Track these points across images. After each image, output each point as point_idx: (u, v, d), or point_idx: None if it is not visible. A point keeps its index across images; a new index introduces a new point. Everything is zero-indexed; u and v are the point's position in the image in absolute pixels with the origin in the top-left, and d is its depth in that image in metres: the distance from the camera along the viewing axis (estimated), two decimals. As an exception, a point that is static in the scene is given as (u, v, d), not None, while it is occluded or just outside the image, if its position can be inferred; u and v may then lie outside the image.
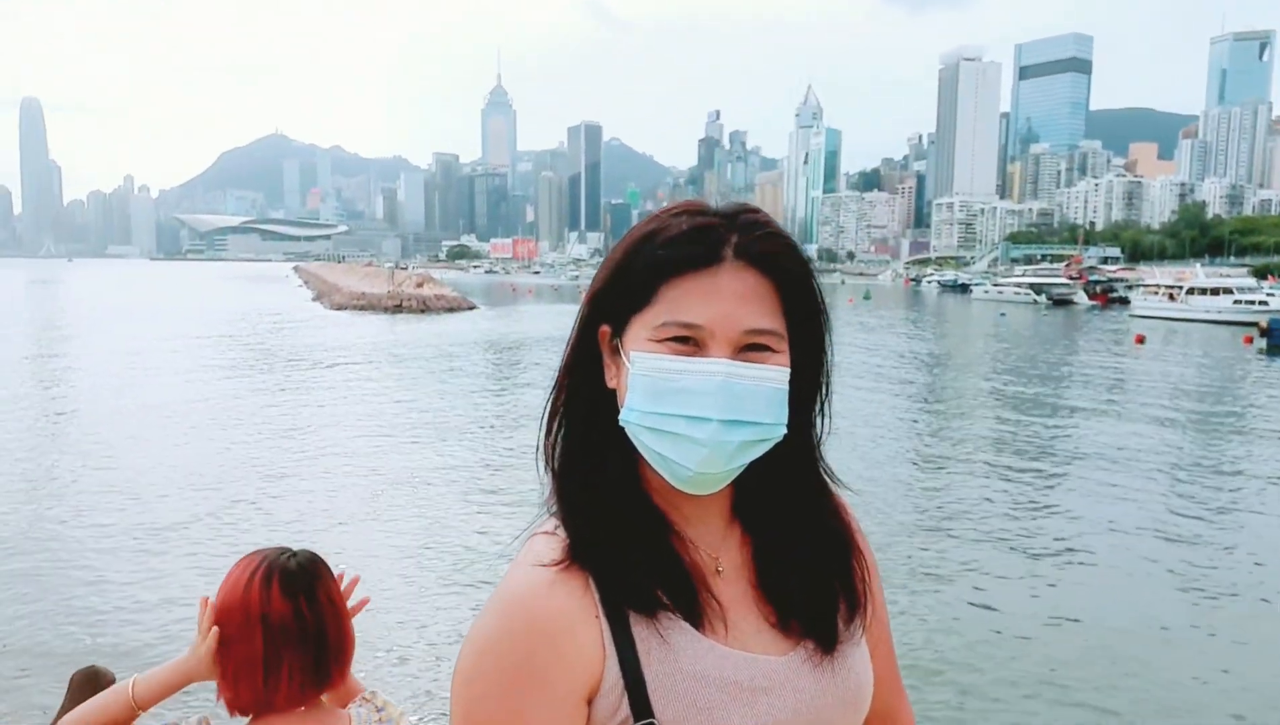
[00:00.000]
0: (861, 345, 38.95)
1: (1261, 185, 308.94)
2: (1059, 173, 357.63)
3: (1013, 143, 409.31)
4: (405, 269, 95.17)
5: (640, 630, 0.87)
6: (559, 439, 0.97)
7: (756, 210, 0.94)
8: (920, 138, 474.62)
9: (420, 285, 66.65)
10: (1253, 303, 59.15)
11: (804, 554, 0.97)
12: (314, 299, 70.60)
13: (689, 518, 0.95)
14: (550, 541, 0.91)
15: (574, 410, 0.96)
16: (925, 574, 9.46)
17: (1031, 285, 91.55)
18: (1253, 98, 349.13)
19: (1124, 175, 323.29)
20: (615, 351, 0.92)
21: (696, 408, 0.86)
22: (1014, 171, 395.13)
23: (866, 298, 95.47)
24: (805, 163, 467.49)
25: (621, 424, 0.90)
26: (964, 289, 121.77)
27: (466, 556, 9.61)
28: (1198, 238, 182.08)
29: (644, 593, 0.89)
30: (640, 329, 0.89)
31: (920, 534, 10.93)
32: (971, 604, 8.75)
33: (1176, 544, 10.83)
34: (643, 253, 0.91)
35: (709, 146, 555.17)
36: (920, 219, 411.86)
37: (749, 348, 0.88)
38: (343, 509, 11.40)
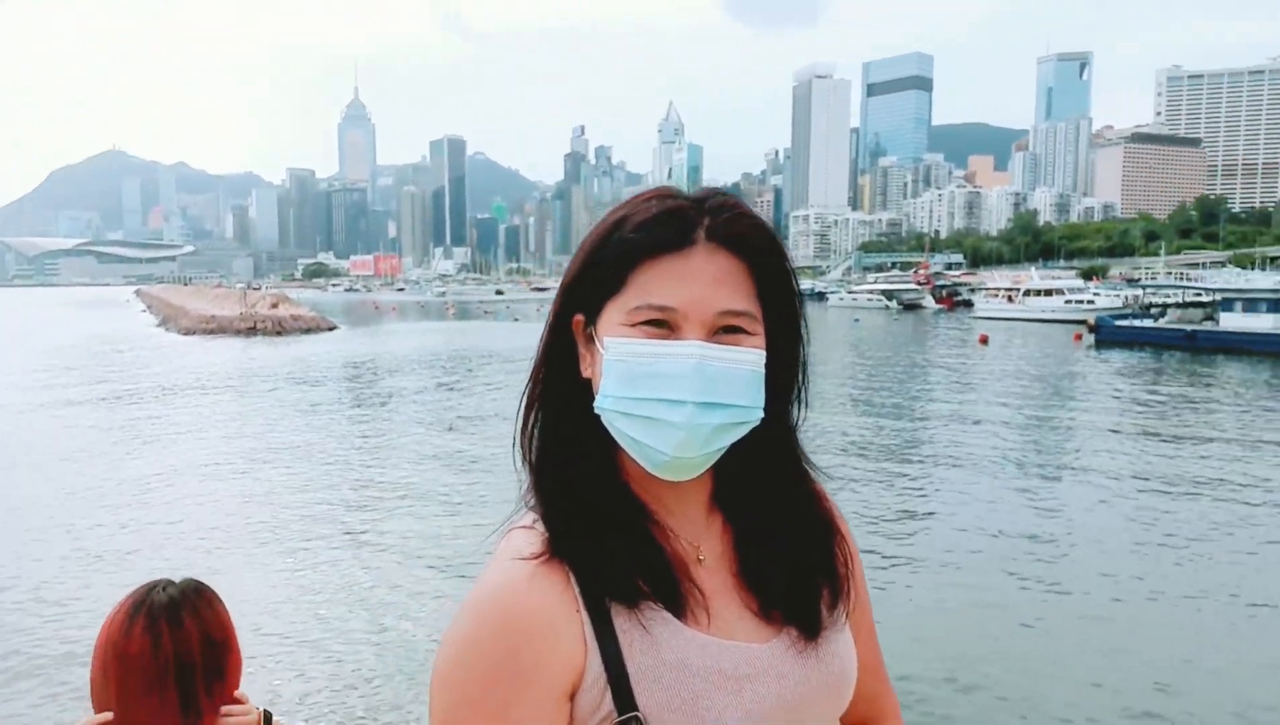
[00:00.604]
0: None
1: (1085, 194, 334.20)
2: (906, 184, 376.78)
3: (862, 156, 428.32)
4: (258, 289, 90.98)
5: (622, 622, 0.86)
6: (535, 432, 0.95)
7: (727, 194, 0.94)
8: (777, 152, 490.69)
9: (275, 306, 63.85)
10: (1081, 302, 63.84)
11: (785, 541, 0.97)
12: (159, 324, 66.61)
13: (669, 507, 0.94)
14: (529, 535, 0.90)
15: (549, 402, 0.95)
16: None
17: (883, 291, 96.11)
18: (1076, 114, 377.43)
19: (964, 186, 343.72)
20: (590, 340, 0.92)
21: (671, 391, 0.85)
22: (864, 184, 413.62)
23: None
24: (669, 177, 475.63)
25: (597, 411, 0.89)
26: (820, 297, 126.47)
27: (325, 587, 9.22)
28: (1031, 243, 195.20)
29: (625, 583, 0.88)
30: (614, 314, 0.89)
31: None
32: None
33: (1015, 539, 11.45)
34: (614, 239, 0.90)
35: (575, 161, 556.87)
36: (778, 230, 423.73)
37: (724, 330, 0.88)
38: (192, 544, 10.73)
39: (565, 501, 0.91)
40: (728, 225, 0.90)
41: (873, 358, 38.52)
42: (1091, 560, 10.33)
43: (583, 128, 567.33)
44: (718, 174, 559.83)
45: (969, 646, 7.88)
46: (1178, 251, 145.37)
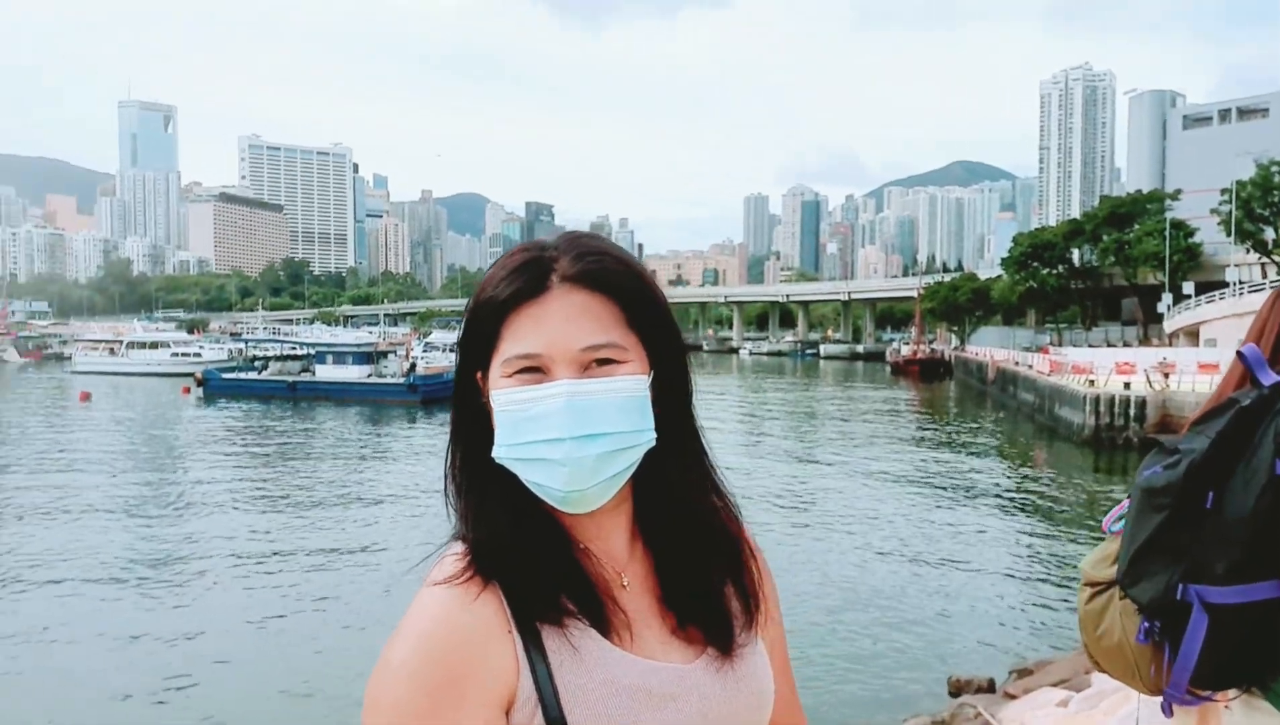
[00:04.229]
0: None
1: (180, 246, 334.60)
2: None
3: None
4: None
5: (551, 642, 0.89)
6: (459, 470, 0.98)
7: (584, 235, 0.97)
8: None
9: None
10: (189, 355, 64.04)
11: (697, 561, 1.00)
12: None
13: (591, 535, 0.97)
14: (460, 561, 0.93)
15: (466, 444, 0.98)
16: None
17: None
18: (165, 166, 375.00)
19: (44, 227, 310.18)
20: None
21: (548, 431, 0.89)
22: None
23: None
24: None
25: (496, 460, 0.93)
26: None
27: None
28: (127, 293, 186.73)
29: (553, 604, 0.91)
30: (496, 368, 0.92)
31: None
32: None
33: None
34: (482, 299, 0.94)
35: None
36: None
37: (596, 363, 0.91)
38: None
39: (493, 529, 0.94)
40: (580, 264, 0.93)
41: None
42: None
43: None
44: None
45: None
46: (272, 308, 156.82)
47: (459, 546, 0.95)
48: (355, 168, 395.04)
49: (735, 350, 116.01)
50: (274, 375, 46.58)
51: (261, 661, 9.02)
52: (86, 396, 43.00)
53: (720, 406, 39.36)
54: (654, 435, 0.94)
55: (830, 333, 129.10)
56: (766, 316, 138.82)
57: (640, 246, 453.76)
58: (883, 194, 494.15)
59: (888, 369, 71.96)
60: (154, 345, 67.49)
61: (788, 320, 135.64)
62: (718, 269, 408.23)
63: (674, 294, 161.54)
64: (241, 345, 64.31)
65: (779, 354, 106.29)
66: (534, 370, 0.91)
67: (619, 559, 0.98)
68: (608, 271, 0.93)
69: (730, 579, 1.02)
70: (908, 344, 79.54)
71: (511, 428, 0.91)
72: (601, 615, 0.92)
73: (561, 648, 0.89)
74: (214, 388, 45.06)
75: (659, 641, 0.96)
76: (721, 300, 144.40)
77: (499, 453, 0.92)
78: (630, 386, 0.92)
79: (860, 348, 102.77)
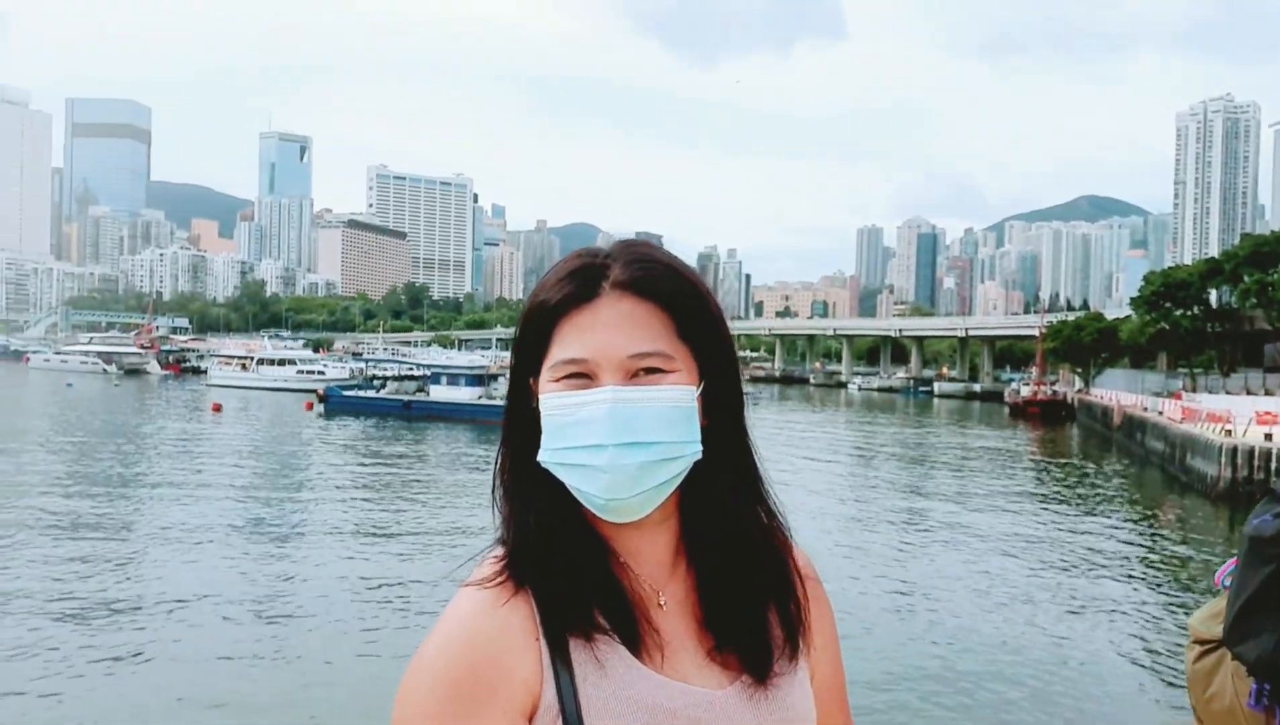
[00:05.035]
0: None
1: (310, 269, 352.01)
2: (122, 239, 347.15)
3: (69, 201, 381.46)
4: None
5: (578, 654, 0.89)
6: (506, 474, 0.99)
7: (640, 243, 0.97)
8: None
9: None
10: (313, 372, 67.25)
11: (741, 583, 0.98)
12: None
13: (632, 550, 0.96)
14: (497, 566, 0.93)
15: (515, 449, 0.98)
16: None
17: (100, 353, 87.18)
18: (299, 193, 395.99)
19: (189, 248, 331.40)
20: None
21: (592, 436, 0.89)
22: (71, 232, 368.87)
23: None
24: None
25: (541, 464, 0.93)
26: (17, 356, 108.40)
27: None
28: (259, 312, 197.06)
29: (583, 617, 0.90)
30: (545, 373, 0.93)
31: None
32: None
33: (240, 605, 11.88)
34: (534, 304, 0.95)
35: None
36: None
37: (644, 372, 0.91)
38: None
39: (531, 535, 0.94)
40: (633, 271, 0.92)
41: (89, 428, 34.68)
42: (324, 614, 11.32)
43: None
44: None
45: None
46: (392, 330, 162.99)
47: (500, 550, 0.96)
48: (475, 197, 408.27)
49: (843, 384, 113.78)
50: (391, 394, 48.43)
51: (367, 680, 9.27)
52: (218, 408, 45.55)
53: (825, 442, 38.66)
54: (699, 448, 0.93)
55: (945, 370, 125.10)
56: (877, 351, 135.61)
57: (748, 277, 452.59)
58: (1003, 228, 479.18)
59: (1006, 410, 69.41)
60: (282, 362, 71.03)
61: (899, 355, 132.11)
62: (827, 301, 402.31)
63: (780, 325, 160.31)
64: (362, 365, 66.89)
65: (890, 390, 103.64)
66: (581, 376, 0.91)
67: (659, 576, 0.97)
68: (658, 279, 0.93)
69: (775, 603, 1.00)
70: (1027, 384, 76.39)
71: (557, 432, 0.91)
72: (633, 633, 0.92)
73: (587, 661, 0.89)
74: (334, 404, 47.04)
75: (693, 664, 0.94)
76: (830, 332, 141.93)
77: (544, 457, 0.92)
78: (676, 396, 0.91)
79: (977, 387, 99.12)
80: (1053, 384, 78.45)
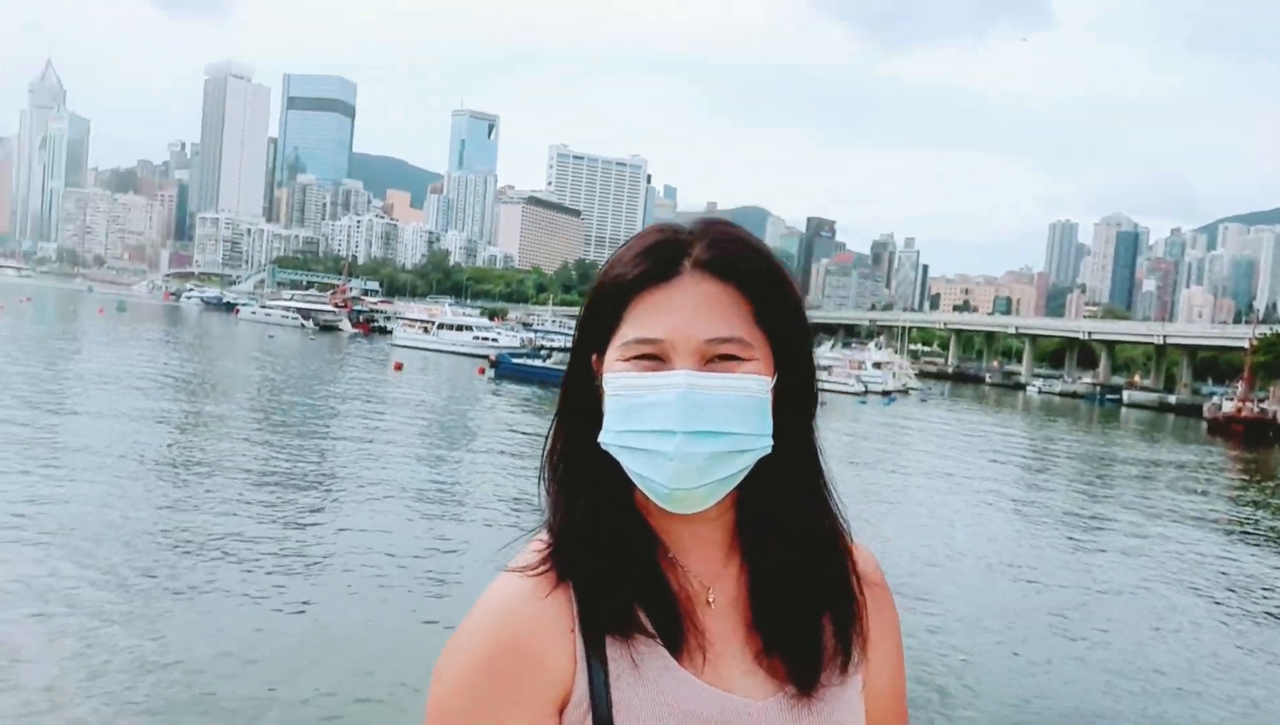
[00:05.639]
0: (114, 361, 35.29)
1: (490, 242, 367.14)
2: (325, 205, 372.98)
3: (281, 169, 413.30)
4: None
5: (614, 651, 0.87)
6: (557, 458, 0.96)
7: (725, 222, 0.94)
8: (184, 146, 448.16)
9: None
10: (487, 339, 70.21)
11: (794, 585, 0.94)
12: None
13: (684, 545, 0.93)
14: (538, 553, 0.91)
15: (569, 433, 0.96)
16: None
17: (299, 310, 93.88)
18: (484, 169, 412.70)
19: (383, 217, 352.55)
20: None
21: (661, 421, 0.85)
22: (281, 197, 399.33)
23: (121, 309, 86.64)
24: (42, 147, 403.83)
25: (601, 445, 0.90)
26: (229, 307, 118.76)
27: None
28: (443, 280, 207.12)
29: (623, 614, 0.88)
30: (613, 351, 0.90)
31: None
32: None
33: (410, 560, 12.45)
34: (609, 277, 0.91)
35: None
36: (182, 231, 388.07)
37: (719, 358, 0.87)
38: None
39: (577, 525, 0.91)
40: (716, 251, 0.89)
41: (286, 375, 37.59)
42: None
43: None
44: (108, 155, 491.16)
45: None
46: (561, 303, 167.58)
47: (545, 535, 0.94)
48: (649, 178, 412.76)
49: (1022, 386, 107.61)
50: (556, 364, 49.55)
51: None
52: (400, 367, 48.27)
53: (998, 445, 36.78)
54: (770, 442, 0.89)
55: (1137, 378, 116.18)
56: (1062, 353, 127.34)
57: (925, 268, 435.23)
58: (1216, 230, 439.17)
59: (1204, 426, 63.47)
60: (460, 328, 74.35)
61: (1087, 359, 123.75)
62: (1010, 297, 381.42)
63: (957, 319, 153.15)
64: (531, 335, 69.23)
65: (1073, 395, 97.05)
66: (652, 357, 0.87)
67: (709, 572, 0.94)
68: (742, 261, 0.90)
69: (831, 610, 0.95)
70: (1231, 400, 69.85)
71: (622, 414, 0.87)
72: (675, 634, 0.89)
73: (622, 659, 0.86)
74: (504, 370, 48.82)
75: (738, 669, 0.91)
76: (1011, 331, 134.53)
77: (606, 438, 0.89)
78: (752, 386, 0.88)
79: (1172, 398, 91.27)
80: (1261, 401, 71.36)
